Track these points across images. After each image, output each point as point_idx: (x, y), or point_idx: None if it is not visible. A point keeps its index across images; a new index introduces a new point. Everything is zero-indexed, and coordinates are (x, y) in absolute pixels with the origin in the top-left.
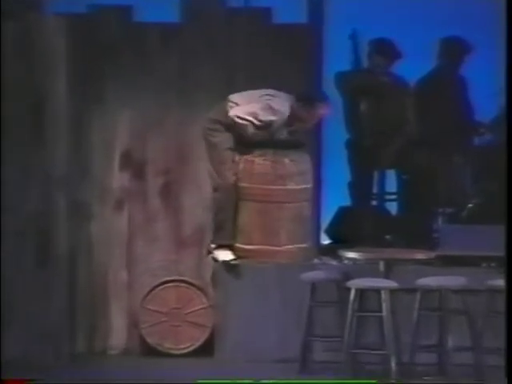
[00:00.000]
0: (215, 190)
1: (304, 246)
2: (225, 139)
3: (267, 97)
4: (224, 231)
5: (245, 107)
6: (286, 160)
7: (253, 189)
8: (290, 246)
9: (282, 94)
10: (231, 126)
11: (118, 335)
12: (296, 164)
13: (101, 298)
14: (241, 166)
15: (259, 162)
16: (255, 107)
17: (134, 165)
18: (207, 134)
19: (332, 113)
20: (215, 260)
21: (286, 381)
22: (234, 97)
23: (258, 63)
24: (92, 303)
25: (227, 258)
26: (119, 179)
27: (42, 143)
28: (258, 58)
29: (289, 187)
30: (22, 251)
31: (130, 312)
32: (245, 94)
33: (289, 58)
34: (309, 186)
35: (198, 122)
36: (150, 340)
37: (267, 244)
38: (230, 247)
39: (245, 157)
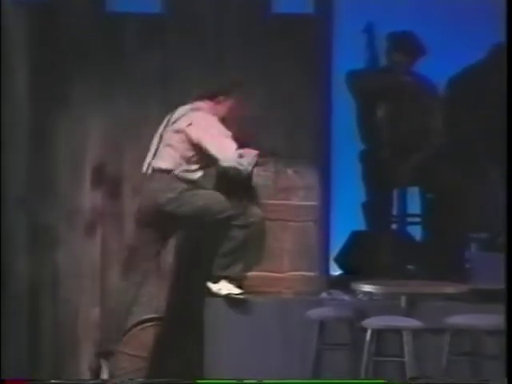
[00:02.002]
0: None
1: (311, 274)
2: None
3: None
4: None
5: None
6: (289, 171)
7: None
8: (294, 273)
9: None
10: None
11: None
12: (301, 176)
13: (69, 342)
14: None
15: (259, 173)
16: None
17: (108, 181)
18: None
19: (342, 119)
20: (216, 295)
21: (286, 381)
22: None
23: (254, 61)
24: (58, 348)
25: (233, 292)
26: (90, 199)
27: None
28: (255, 56)
29: (292, 202)
30: None
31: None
32: None
33: (291, 55)
34: (315, 203)
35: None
36: None
37: (267, 270)
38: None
39: None
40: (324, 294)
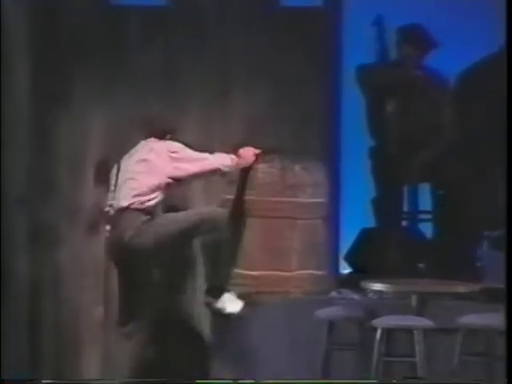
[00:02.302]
0: None
1: (319, 273)
2: None
3: None
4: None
5: None
6: (297, 167)
7: (257, 202)
8: (302, 272)
9: None
10: None
11: None
12: (309, 173)
13: (71, 343)
14: (242, 174)
15: (264, 169)
16: None
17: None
18: None
19: (351, 115)
20: (220, 314)
21: (286, 381)
22: None
23: (261, 55)
24: (60, 349)
25: (236, 309)
26: (92, 197)
27: None
28: (262, 50)
29: (300, 200)
30: None
31: (107, 359)
32: None
33: (299, 48)
34: (324, 200)
35: (188, 125)
36: None
37: (275, 269)
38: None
39: None
40: (333, 293)
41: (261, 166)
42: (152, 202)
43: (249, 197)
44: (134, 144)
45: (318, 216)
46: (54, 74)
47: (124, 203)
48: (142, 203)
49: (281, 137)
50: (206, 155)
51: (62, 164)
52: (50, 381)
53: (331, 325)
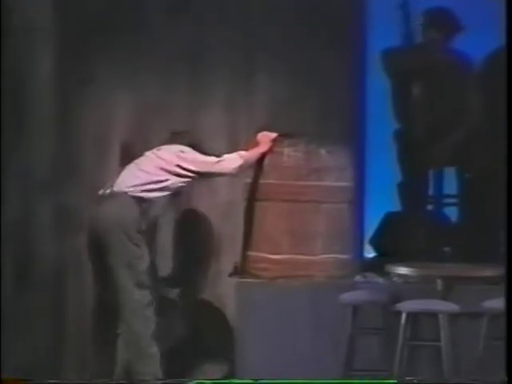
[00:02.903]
0: None
1: (344, 257)
2: None
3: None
4: None
5: None
6: (322, 151)
7: (281, 186)
8: (327, 256)
9: None
10: None
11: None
12: (334, 156)
13: (95, 327)
14: (267, 158)
15: (289, 153)
16: None
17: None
18: None
19: (376, 98)
20: None
21: (286, 381)
22: None
23: (284, 37)
24: (84, 333)
25: None
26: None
27: (21, 137)
28: (285, 31)
29: (325, 183)
30: None
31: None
32: None
33: (322, 31)
34: (349, 184)
35: (212, 107)
36: None
37: (299, 253)
38: None
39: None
40: (358, 277)
41: (286, 150)
42: (151, 195)
43: (273, 181)
44: (159, 127)
45: (343, 200)
46: (78, 56)
47: (123, 188)
48: (140, 191)
49: (306, 121)
50: (213, 158)
51: (87, 148)
52: (50, 381)
53: (355, 309)
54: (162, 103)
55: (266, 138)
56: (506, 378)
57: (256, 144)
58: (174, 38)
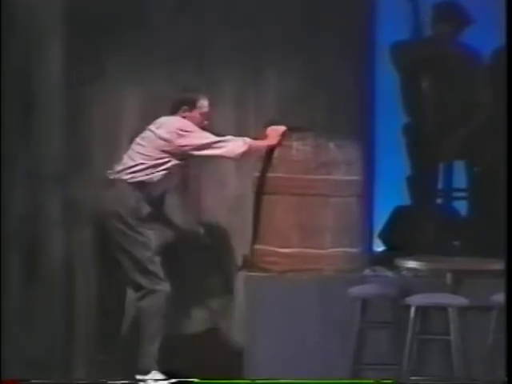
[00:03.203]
0: None
1: (353, 251)
2: None
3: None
4: None
5: None
6: (331, 145)
7: (290, 179)
8: (335, 250)
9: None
10: None
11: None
12: (342, 150)
13: (103, 321)
14: (275, 152)
15: (298, 147)
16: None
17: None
18: None
19: (385, 92)
20: None
21: (286, 381)
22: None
23: (292, 31)
24: (93, 326)
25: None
26: None
27: (31, 132)
28: (294, 26)
29: (334, 177)
30: (6, 264)
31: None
32: None
33: (332, 25)
34: (358, 178)
35: (221, 101)
36: None
37: (308, 247)
38: None
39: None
40: (367, 271)
41: (294, 144)
42: (153, 177)
43: (282, 174)
44: None
45: (352, 194)
46: (87, 49)
47: (121, 176)
48: (135, 177)
49: (314, 114)
50: (216, 139)
51: (96, 142)
52: (50, 381)
53: (365, 303)
54: (170, 98)
55: (274, 132)
56: (506, 378)
57: (265, 137)
58: (184, 34)
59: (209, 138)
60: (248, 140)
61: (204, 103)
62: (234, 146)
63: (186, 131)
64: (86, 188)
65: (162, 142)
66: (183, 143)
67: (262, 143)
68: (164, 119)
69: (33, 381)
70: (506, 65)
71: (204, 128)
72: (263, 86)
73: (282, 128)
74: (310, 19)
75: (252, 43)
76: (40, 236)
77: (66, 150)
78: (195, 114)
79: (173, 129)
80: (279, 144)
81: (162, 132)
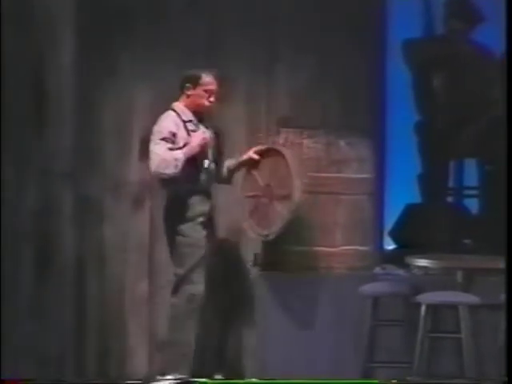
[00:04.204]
0: None
1: (364, 249)
2: None
3: None
4: None
5: None
6: (342, 143)
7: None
8: (346, 248)
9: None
10: None
11: (136, 361)
12: (354, 148)
13: (115, 316)
14: None
15: (309, 144)
16: None
17: None
18: None
19: (397, 89)
20: None
21: (286, 381)
22: None
23: (305, 29)
24: (105, 322)
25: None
26: (138, 171)
27: (43, 128)
28: (307, 23)
29: (345, 175)
30: (20, 260)
31: (151, 332)
32: None
33: (344, 22)
34: (369, 176)
35: (234, 100)
36: None
37: (319, 245)
38: None
39: (291, 139)
40: (378, 269)
41: (305, 142)
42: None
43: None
44: None
45: (363, 191)
46: (99, 47)
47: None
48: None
49: (326, 112)
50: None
51: (108, 138)
52: (51, 381)
53: (375, 301)
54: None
55: (200, 136)
56: (506, 378)
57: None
58: (196, 30)
59: (157, 155)
60: (180, 156)
61: (207, 79)
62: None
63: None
64: (98, 185)
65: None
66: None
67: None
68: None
69: (33, 381)
70: (507, 65)
71: (210, 105)
72: (275, 83)
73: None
74: (322, 16)
75: (264, 39)
76: (52, 232)
77: (77, 148)
78: (199, 91)
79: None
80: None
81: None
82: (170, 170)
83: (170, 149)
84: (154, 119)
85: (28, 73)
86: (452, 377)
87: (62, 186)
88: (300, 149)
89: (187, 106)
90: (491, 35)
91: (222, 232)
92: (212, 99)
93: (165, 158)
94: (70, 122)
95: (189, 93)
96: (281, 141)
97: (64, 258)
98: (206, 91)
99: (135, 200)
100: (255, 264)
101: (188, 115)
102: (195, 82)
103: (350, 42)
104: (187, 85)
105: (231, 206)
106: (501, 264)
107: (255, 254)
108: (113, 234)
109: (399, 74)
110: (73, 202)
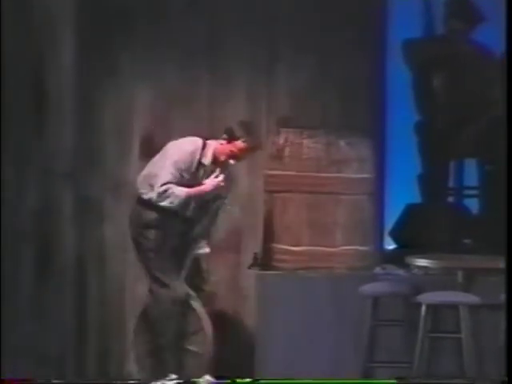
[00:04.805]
0: None
1: (364, 249)
2: None
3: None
4: None
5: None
6: (342, 143)
7: (301, 177)
8: (347, 248)
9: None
10: None
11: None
12: (354, 148)
13: (115, 316)
14: (286, 150)
15: (309, 144)
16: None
17: (157, 153)
18: None
19: (397, 89)
20: None
21: (286, 381)
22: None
23: (306, 29)
24: (105, 322)
25: None
26: (138, 170)
27: (43, 128)
28: (307, 23)
29: (345, 175)
30: (20, 260)
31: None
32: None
33: (344, 22)
34: (369, 176)
35: (233, 99)
36: None
37: (319, 245)
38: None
39: (291, 139)
40: (378, 269)
41: (305, 142)
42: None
43: (293, 172)
44: (180, 118)
45: (363, 191)
46: (99, 47)
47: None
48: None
49: (326, 112)
50: (161, 187)
51: (108, 138)
52: (51, 381)
53: (376, 301)
54: (183, 95)
55: (215, 184)
56: (506, 378)
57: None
58: (196, 30)
59: (162, 178)
60: (187, 192)
61: (240, 145)
62: (172, 198)
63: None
64: (98, 185)
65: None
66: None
67: (199, 191)
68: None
69: (34, 381)
70: (507, 65)
71: (224, 163)
72: (275, 83)
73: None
74: (322, 16)
75: (264, 39)
76: (53, 232)
77: (77, 147)
78: (227, 147)
79: (170, 151)
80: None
81: (169, 147)
82: (167, 203)
83: (178, 182)
84: (154, 119)
85: (28, 73)
86: (452, 377)
87: (62, 185)
88: (300, 149)
89: (214, 150)
90: (491, 35)
91: (222, 232)
92: (232, 162)
93: (170, 188)
94: (70, 122)
95: (222, 142)
96: (281, 141)
97: (64, 257)
98: (231, 151)
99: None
100: (255, 264)
101: (207, 158)
102: (231, 138)
103: (350, 41)
104: (224, 136)
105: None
106: (501, 264)
107: (255, 254)
108: (113, 234)
109: (399, 74)
110: (73, 201)
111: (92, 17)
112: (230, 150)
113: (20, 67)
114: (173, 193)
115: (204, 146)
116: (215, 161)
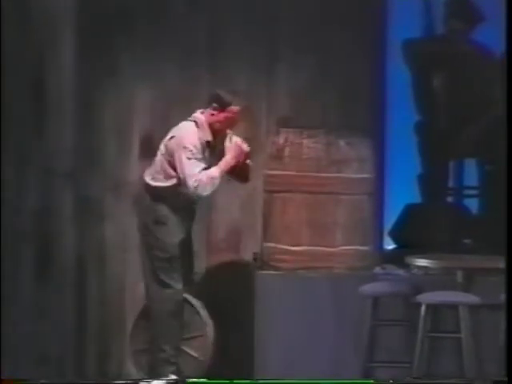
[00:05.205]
0: None
1: (364, 249)
2: None
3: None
4: None
5: None
6: (342, 143)
7: (301, 177)
8: (346, 248)
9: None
10: None
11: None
12: (354, 148)
13: (115, 316)
14: (286, 150)
15: (309, 144)
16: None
17: (156, 153)
18: None
19: (397, 89)
20: None
21: (286, 381)
22: None
23: (306, 29)
24: (105, 322)
25: None
26: (138, 170)
27: (43, 128)
28: (307, 22)
29: (345, 175)
30: (20, 260)
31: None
32: None
33: (344, 22)
34: (369, 176)
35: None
36: None
37: (319, 245)
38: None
39: (291, 139)
40: (378, 269)
41: (305, 141)
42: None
43: (293, 172)
44: (179, 118)
45: (363, 191)
46: (99, 47)
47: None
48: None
49: (326, 112)
50: (193, 177)
51: (108, 138)
52: (50, 381)
53: (375, 301)
54: (183, 95)
55: (237, 148)
56: (506, 378)
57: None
58: (196, 30)
59: (190, 171)
60: (215, 175)
61: (234, 109)
62: (204, 188)
63: (182, 154)
64: (98, 184)
65: (168, 157)
66: (176, 166)
67: (225, 166)
68: (180, 128)
69: (33, 381)
70: (507, 65)
71: (223, 136)
72: (275, 83)
73: (244, 145)
74: (322, 16)
75: (264, 38)
76: (53, 232)
77: (78, 147)
78: (220, 116)
79: (180, 145)
80: (243, 161)
81: (172, 144)
82: (208, 191)
83: (204, 168)
84: (154, 119)
85: (28, 73)
86: (452, 377)
87: (62, 185)
88: (300, 149)
89: (208, 124)
90: (491, 35)
91: (221, 232)
92: (229, 130)
93: (201, 179)
94: (70, 122)
95: (213, 112)
96: (281, 141)
97: (64, 257)
98: (226, 118)
99: (135, 199)
100: (255, 264)
101: (207, 134)
102: (223, 105)
103: (350, 41)
104: (214, 105)
105: (230, 204)
106: (501, 264)
107: (255, 254)
108: (113, 234)
109: (399, 74)
110: (73, 201)
111: (92, 17)
112: (225, 117)
113: (20, 67)
114: (208, 178)
115: (198, 125)
116: (214, 134)
